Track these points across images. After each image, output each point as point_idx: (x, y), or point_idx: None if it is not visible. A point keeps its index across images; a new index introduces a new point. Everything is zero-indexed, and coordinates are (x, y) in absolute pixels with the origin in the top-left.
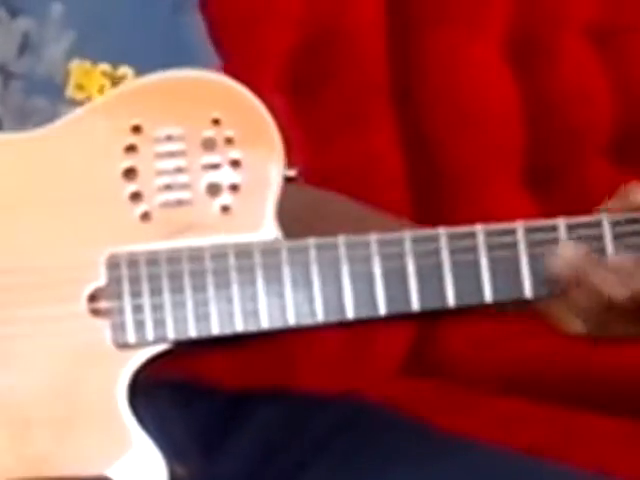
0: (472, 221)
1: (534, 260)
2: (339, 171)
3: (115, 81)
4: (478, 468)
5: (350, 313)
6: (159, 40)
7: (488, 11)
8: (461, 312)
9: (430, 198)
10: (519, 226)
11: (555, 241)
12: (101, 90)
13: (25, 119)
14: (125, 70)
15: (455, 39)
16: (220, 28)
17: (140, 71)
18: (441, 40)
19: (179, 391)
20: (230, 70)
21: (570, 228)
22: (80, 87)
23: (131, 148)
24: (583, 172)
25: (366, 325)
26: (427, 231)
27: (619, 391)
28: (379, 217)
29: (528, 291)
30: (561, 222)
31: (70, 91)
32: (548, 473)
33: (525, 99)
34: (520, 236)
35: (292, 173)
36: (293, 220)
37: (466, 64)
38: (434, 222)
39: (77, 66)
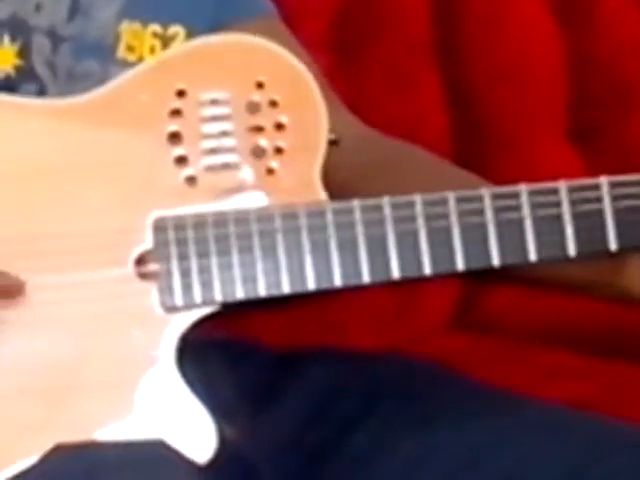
0: (518, 177)
1: (577, 218)
2: (384, 128)
3: (166, 41)
4: (531, 424)
5: (396, 273)
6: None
7: None
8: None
9: (476, 155)
10: (562, 185)
11: (598, 199)
12: (152, 51)
13: (75, 82)
14: (176, 29)
15: None
16: None
17: (191, 29)
18: None
19: (227, 352)
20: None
21: (613, 186)
22: (131, 48)
23: (176, 112)
24: (627, 124)
25: (413, 283)
26: (471, 191)
27: None
28: (458, 172)
29: (572, 250)
30: (604, 181)
31: (121, 52)
32: (598, 427)
33: (570, 53)
34: (563, 195)
35: (335, 137)
36: (370, 170)
37: (510, 19)
38: (480, 175)
39: (127, 27)
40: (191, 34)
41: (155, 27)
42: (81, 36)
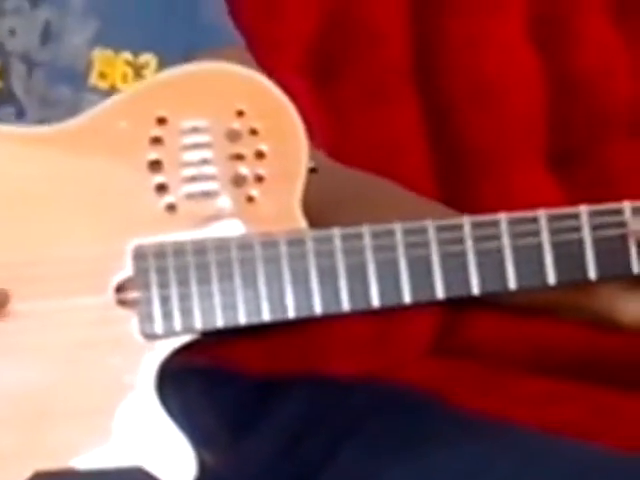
0: (496, 202)
1: (557, 247)
2: (362, 152)
3: (137, 69)
4: (510, 449)
5: (376, 302)
6: (180, 25)
7: None
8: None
9: (454, 178)
10: (541, 214)
11: (577, 228)
12: (124, 78)
13: (49, 107)
14: (147, 58)
15: (477, 18)
16: (241, 10)
17: (162, 58)
18: (463, 19)
19: (206, 378)
20: (252, 52)
21: (592, 215)
22: (103, 75)
23: (157, 140)
24: (606, 151)
25: (393, 311)
26: (451, 220)
27: None
28: (427, 203)
29: (551, 278)
30: (583, 209)
31: (93, 79)
32: (575, 452)
33: (548, 78)
34: (543, 224)
35: (314, 164)
36: (338, 203)
37: (489, 43)
38: (458, 201)
39: (100, 54)
40: (162, 63)
41: (127, 55)
42: (53, 62)
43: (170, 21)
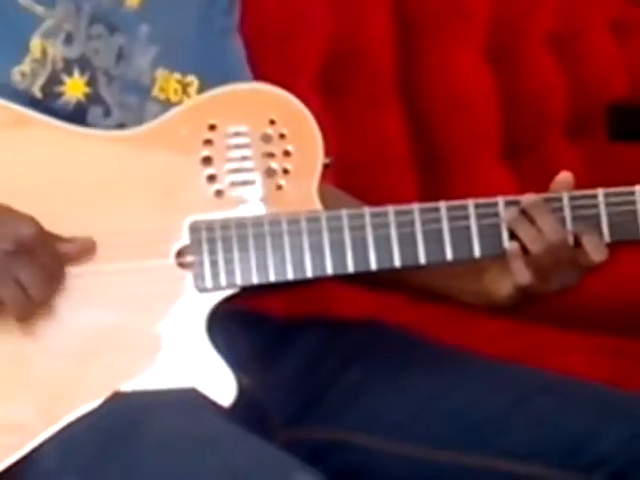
0: (462, 186)
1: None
2: (361, 151)
3: (184, 86)
4: (474, 374)
5: (373, 266)
6: (214, 58)
7: (471, 25)
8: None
9: (431, 168)
10: (500, 200)
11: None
12: (175, 92)
13: (124, 110)
14: (191, 79)
15: (446, 47)
16: (261, 46)
17: (202, 80)
18: (435, 48)
19: (243, 321)
20: (272, 79)
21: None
22: (162, 89)
23: (208, 141)
24: (546, 148)
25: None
26: (431, 204)
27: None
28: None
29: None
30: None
31: (155, 92)
32: (526, 376)
33: (500, 92)
34: (501, 208)
35: (328, 161)
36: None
37: (454, 66)
38: (434, 186)
39: (160, 73)
40: (202, 84)
41: (177, 75)
42: (124, 76)
43: (206, 53)
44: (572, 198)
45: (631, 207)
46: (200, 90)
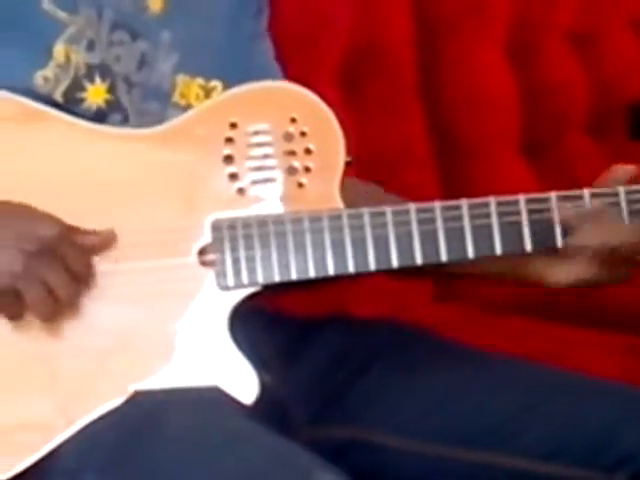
0: (482, 182)
1: (533, 223)
2: (381, 151)
3: (208, 91)
4: (493, 373)
5: (395, 263)
6: (240, 62)
7: (491, 23)
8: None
9: (451, 167)
10: (521, 198)
11: (548, 210)
12: (197, 98)
13: (143, 117)
14: (215, 83)
15: (466, 45)
16: (284, 44)
17: (226, 85)
18: (456, 46)
19: (265, 320)
20: (293, 76)
21: (559, 198)
22: (183, 95)
23: (229, 140)
24: (566, 145)
25: (407, 272)
26: (453, 202)
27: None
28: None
29: (528, 247)
30: (553, 195)
31: (176, 98)
32: (545, 374)
33: (521, 89)
34: (522, 206)
35: (349, 159)
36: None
37: (475, 64)
38: (455, 185)
39: (181, 79)
40: (227, 88)
41: (200, 80)
42: (146, 83)
43: (232, 58)
44: (628, 192)
45: None
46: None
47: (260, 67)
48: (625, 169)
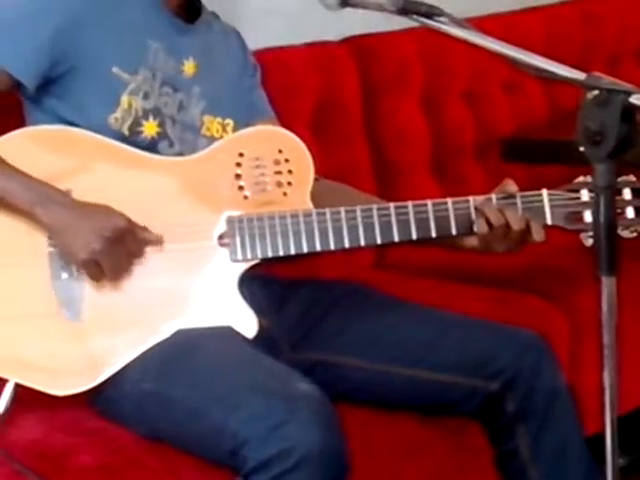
0: (406, 193)
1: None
2: (338, 171)
3: (224, 127)
4: (411, 315)
5: (347, 244)
6: (245, 106)
7: (412, 84)
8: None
9: (384, 182)
10: (429, 202)
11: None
12: (217, 131)
13: (183, 144)
14: (229, 121)
15: (395, 100)
16: (273, 100)
17: (236, 122)
18: (388, 100)
19: (262, 281)
20: (280, 122)
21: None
22: (208, 129)
23: (238, 164)
24: (460, 167)
25: (355, 249)
26: (400, 203)
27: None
28: (364, 196)
29: (454, 231)
30: (471, 198)
31: (203, 131)
32: (444, 316)
33: (430, 130)
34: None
35: (317, 177)
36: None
37: (400, 113)
38: (387, 194)
39: (206, 118)
40: (236, 124)
41: (219, 119)
42: (183, 120)
43: (240, 103)
44: (523, 196)
45: (566, 202)
46: (235, 129)
47: (258, 108)
48: (513, 184)
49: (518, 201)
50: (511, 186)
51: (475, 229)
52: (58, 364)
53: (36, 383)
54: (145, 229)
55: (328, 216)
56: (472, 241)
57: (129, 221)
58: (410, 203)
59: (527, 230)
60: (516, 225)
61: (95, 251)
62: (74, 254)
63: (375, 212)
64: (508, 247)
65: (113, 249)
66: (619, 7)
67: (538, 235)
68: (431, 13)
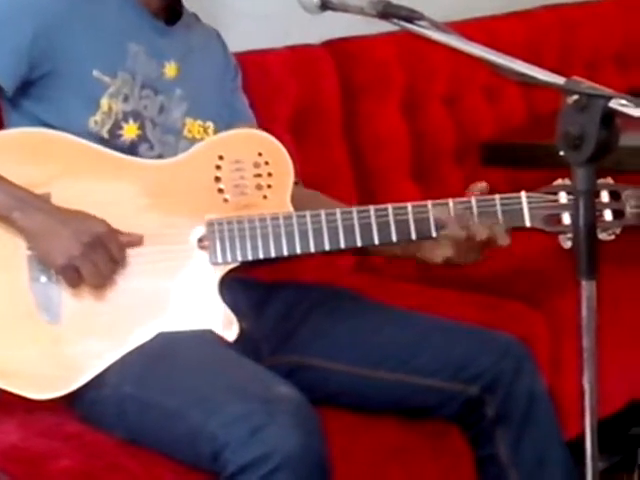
0: (385, 196)
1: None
2: (317, 174)
3: (205, 129)
4: (393, 319)
5: (327, 247)
6: (226, 109)
7: (391, 89)
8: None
9: (363, 185)
10: (409, 204)
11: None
12: (198, 133)
13: (163, 147)
14: (209, 124)
15: (374, 103)
16: (254, 104)
17: (216, 125)
18: (367, 104)
19: (242, 284)
20: (260, 125)
21: (434, 205)
22: (189, 131)
23: (218, 167)
24: (439, 170)
25: (335, 252)
26: (378, 205)
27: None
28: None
29: (413, 235)
30: (429, 202)
31: (185, 133)
32: (427, 320)
33: (410, 134)
34: (409, 209)
35: (296, 180)
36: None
37: (380, 116)
38: (366, 197)
39: (188, 121)
40: (216, 127)
41: (200, 121)
42: (164, 123)
43: (221, 106)
44: (478, 201)
45: (545, 204)
46: (215, 131)
47: (239, 112)
48: (481, 185)
49: (473, 204)
50: (480, 184)
51: (433, 235)
52: (36, 367)
53: (14, 387)
54: (125, 233)
55: (308, 219)
56: (436, 257)
57: (108, 226)
58: (390, 205)
59: (491, 237)
60: (480, 235)
61: (73, 257)
62: (52, 260)
63: (355, 214)
64: (467, 257)
65: (92, 254)
66: (598, 12)
67: (503, 240)
68: (411, 17)
